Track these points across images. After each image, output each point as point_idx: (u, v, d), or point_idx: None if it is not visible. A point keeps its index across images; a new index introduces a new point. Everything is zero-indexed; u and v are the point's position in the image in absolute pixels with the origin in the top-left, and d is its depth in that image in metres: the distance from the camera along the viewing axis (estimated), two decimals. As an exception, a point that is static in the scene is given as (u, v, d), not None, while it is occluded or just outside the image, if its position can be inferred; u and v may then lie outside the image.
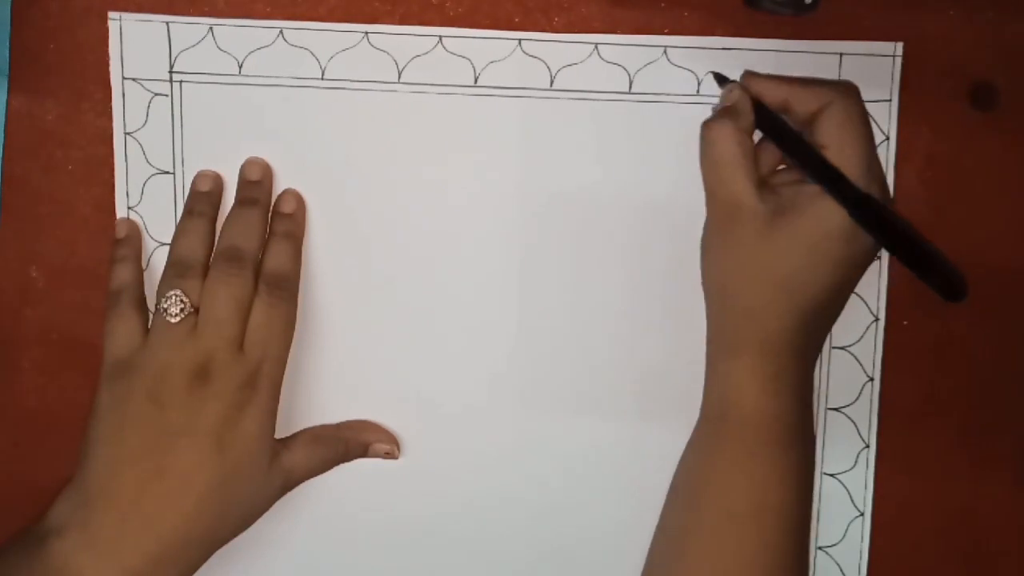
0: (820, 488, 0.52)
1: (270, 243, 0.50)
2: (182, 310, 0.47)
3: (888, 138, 0.50)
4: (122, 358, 0.48)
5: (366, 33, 0.50)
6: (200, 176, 0.50)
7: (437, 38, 0.50)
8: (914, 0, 0.49)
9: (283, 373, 0.49)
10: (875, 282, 0.51)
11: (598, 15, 0.50)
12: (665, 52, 0.50)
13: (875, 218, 0.45)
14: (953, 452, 0.52)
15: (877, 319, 0.51)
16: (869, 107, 0.46)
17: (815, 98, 0.46)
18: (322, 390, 0.52)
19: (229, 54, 0.51)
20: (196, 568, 0.47)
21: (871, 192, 0.45)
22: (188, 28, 0.50)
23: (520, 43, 0.50)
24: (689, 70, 0.50)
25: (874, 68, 0.50)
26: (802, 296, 0.45)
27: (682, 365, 0.51)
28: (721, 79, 0.48)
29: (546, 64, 0.50)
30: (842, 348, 0.51)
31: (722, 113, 0.46)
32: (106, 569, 0.45)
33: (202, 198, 0.50)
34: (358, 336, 0.52)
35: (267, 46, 0.50)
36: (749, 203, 0.45)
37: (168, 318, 0.47)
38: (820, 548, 0.53)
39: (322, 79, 0.51)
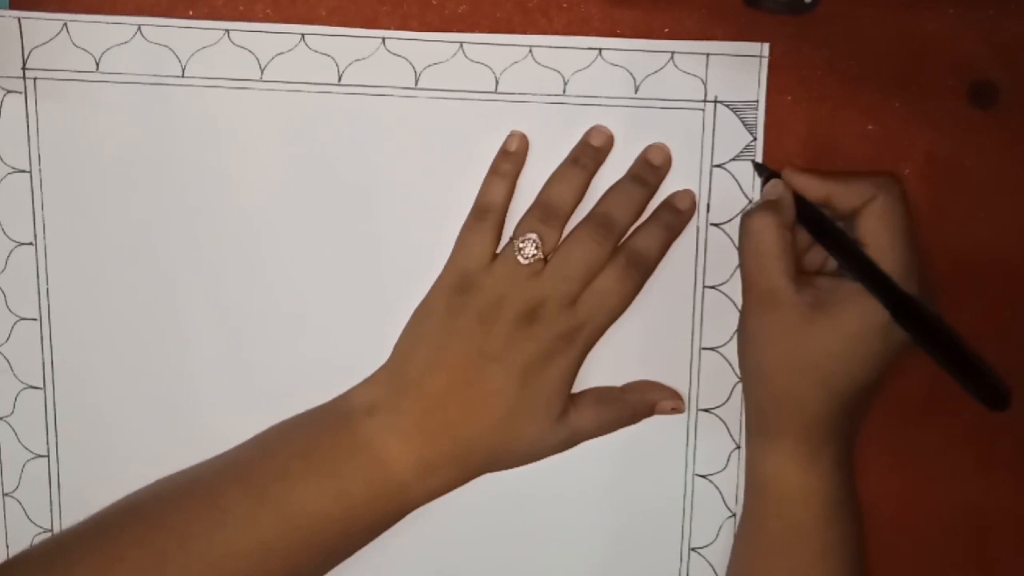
0: (692, 489, 0.53)
1: (650, 225, 0.50)
2: (534, 255, 0.49)
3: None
4: (468, 272, 0.50)
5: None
6: (595, 131, 0.50)
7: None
8: (914, -1, 0.49)
9: (597, 341, 0.50)
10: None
11: (598, 15, 0.50)
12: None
13: (916, 319, 0.45)
14: (955, 450, 0.52)
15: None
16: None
17: (857, 194, 0.47)
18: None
19: (85, 50, 0.51)
20: (462, 484, 0.50)
21: (911, 291, 0.45)
22: (41, 24, 0.51)
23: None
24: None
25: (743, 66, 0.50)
26: (841, 384, 0.47)
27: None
28: (761, 168, 0.49)
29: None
30: None
31: (764, 206, 0.48)
32: (407, 453, 0.48)
33: (590, 152, 0.50)
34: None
35: (125, 42, 0.51)
36: (787, 296, 0.47)
37: (519, 257, 0.49)
38: (693, 549, 0.53)
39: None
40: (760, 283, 0.47)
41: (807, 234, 0.48)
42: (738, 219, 0.50)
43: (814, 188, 0.48)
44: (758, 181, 0.50)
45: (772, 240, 0.47)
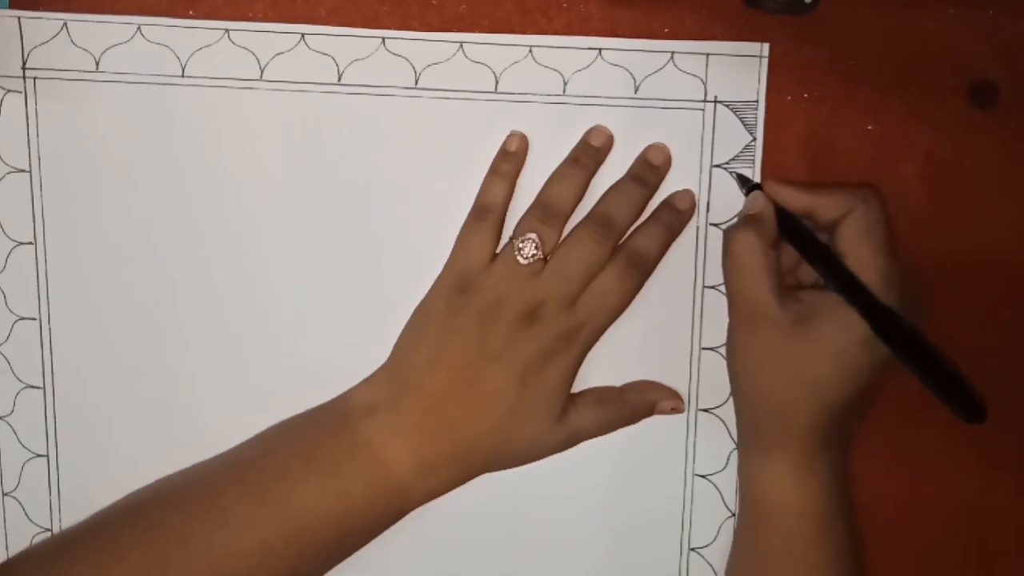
0: (692, 489, 0.53)
1: (649, 225, 0.50)
2: (533, 255, 0.49)
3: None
4: (468, 272, 0.50)
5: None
6: (595, 131, 0.50)
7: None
8: (914, -1, 0.49)
9: (597, 341, 0.50)
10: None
11: (598, 15, 0.50)
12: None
13: (894, 331, 0.45)
14: (955, 450, 0.52)
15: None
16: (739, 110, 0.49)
17: (836, 206, 0.47)
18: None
19: (85, 50, 0.51)
20: (462, 484, 0.50)
21: (890, 303, 0.45)
22: (41, 24, 0.51)
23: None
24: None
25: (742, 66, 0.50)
26: (829, 398, 0.47)
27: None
28: (744, 180, 0.49)
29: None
30: None
31: (746, 222, 0.48)
32: (407, 454, 0.48)
33: (590, 152, 0.50)
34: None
35: (125, 42, 0.51)
36: (771, 312, 0.47)
37: (519, 257, 0.49)
38: (693, 549, 0.53)
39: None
40: (744, 301, 0.47)
41: (797, 255, 0.48)
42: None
43: (795, 200, 0.48)
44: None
45: (754, 258, 0.47)
